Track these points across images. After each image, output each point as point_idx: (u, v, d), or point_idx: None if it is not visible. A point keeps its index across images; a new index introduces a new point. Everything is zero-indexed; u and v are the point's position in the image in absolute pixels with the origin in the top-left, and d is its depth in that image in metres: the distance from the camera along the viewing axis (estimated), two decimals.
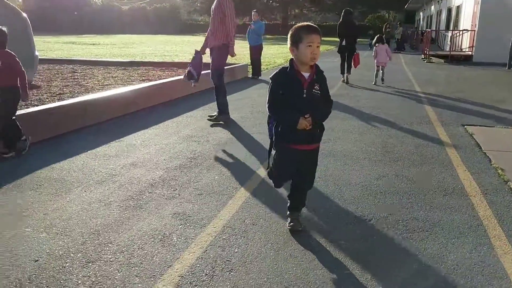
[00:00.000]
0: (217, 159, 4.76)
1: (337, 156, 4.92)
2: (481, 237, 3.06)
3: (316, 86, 2.87)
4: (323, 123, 3.00)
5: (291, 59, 2.89)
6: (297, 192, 3.17)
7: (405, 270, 2.64)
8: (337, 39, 11.54)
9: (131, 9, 62.44)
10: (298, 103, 2.84)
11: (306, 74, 2.85)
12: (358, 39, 12.03)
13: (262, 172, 4.31)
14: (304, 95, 2.84)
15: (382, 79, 11.31)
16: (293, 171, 3.09)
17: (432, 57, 20.46)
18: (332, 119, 6.81)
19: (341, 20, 11.38)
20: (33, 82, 8.67)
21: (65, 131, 5.72)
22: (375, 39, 11.89)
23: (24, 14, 8.95)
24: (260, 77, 12.28)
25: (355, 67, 11.61)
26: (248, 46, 12.55)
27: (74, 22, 54.04)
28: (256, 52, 12.36)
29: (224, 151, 5.08)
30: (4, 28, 4.63)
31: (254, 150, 5.09)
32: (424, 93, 9.91)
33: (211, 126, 6.32)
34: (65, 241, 2.91)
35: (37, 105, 6.31)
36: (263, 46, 12.70)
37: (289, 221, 3.16)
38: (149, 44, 28.08)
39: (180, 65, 12.78)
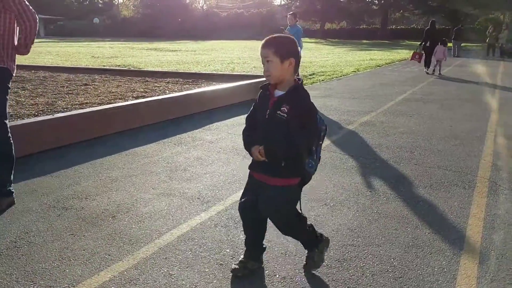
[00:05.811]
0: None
1: None
2: None
3: (284, 108, 2.26)
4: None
5: None
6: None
7: None
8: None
9: (228, 15, 62.78)
10: (261, 125, 2.37)
11: (279, 92, 2.32)
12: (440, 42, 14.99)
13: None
14: (266, 116, 2.31)
15: (440, 73, 14.39)
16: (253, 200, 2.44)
17: None
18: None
19: (428, 27, 15.25)
20: None
21: None
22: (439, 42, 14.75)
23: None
24: None
25: (412, 59, 15.34)
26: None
27: (176, 29, 55.54)
28: None
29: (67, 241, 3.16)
30: None
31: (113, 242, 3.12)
32: (499, 126, 7.05)
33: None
34: None
35: None
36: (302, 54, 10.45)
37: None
38: (226, 51, 26.91)
39: (216, 78, 11.22)
